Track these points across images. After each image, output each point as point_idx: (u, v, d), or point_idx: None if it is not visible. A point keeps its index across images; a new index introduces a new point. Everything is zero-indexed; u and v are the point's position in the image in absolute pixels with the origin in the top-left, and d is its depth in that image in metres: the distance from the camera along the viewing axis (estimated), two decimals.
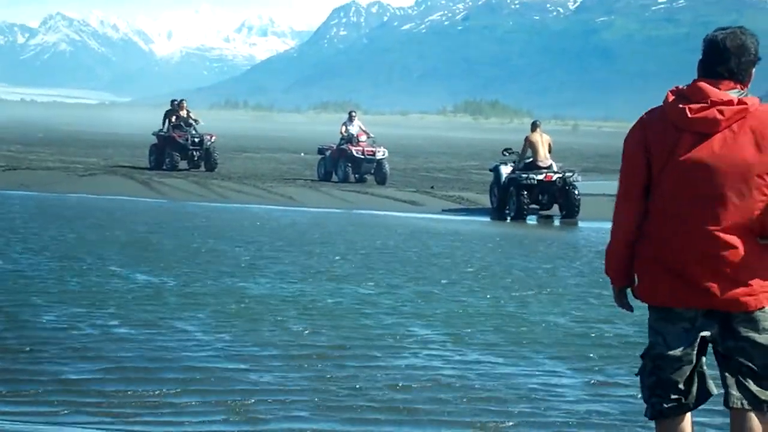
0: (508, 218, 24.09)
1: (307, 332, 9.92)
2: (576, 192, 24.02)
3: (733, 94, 4.48)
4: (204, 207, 24.55)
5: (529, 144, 24.43)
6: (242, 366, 8.56)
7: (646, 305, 4.66)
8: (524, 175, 23.85)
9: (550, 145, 24.68)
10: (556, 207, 24.45)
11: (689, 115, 4.46)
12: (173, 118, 34.42)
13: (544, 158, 24.34)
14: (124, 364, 8.56)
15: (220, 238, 17.61)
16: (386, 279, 13.46)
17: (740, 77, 4.53)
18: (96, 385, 7.89)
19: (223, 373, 8.34)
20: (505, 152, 25.08)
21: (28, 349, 8.94)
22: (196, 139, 34.09)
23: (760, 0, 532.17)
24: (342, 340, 9.66)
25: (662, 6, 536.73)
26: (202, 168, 33.97)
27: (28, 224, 18.79)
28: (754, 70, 4.59)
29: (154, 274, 13.23)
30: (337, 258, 15.48)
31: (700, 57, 4.60)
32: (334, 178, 31.70)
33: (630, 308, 4.75)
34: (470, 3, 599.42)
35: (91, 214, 21.28)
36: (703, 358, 4.60)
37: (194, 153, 34.12)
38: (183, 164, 33.98)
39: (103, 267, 13.66)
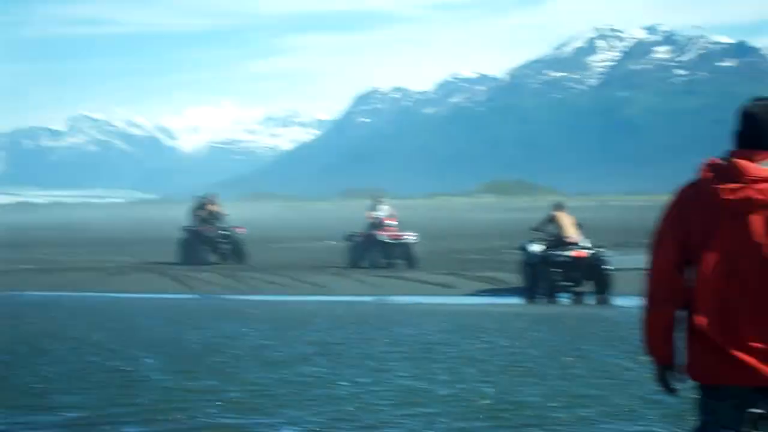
0: (540, 297, 23.91)
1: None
2: (607, 267, 23.87)
3: None
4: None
5: (555, 220, 24.35)
6: None
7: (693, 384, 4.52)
8: (554, 253, 23.73)
9: (577, 224, 24.62)
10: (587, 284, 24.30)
11: (725, 197, 4.37)
12: (202, 213, 34.67)
13: (573, 234, 24.26)
14: None
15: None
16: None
17: None
18: None
19: None
20: (533, 230, 25.00)
21: None
22: (225, 233, 34.26)
23: None
24: None
25: (682, 79, 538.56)
26: (232, 261, 34.08)
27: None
28: None
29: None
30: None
31: (736, 128, 4.53)
32: (364, 264, 31.67)
33: (673, 391, 4.59)
34: (491, 84, 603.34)
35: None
36: None
37: (223, 246, 34.26)
38: (213, 257, 34.12)
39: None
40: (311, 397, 11.02)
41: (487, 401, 10.68)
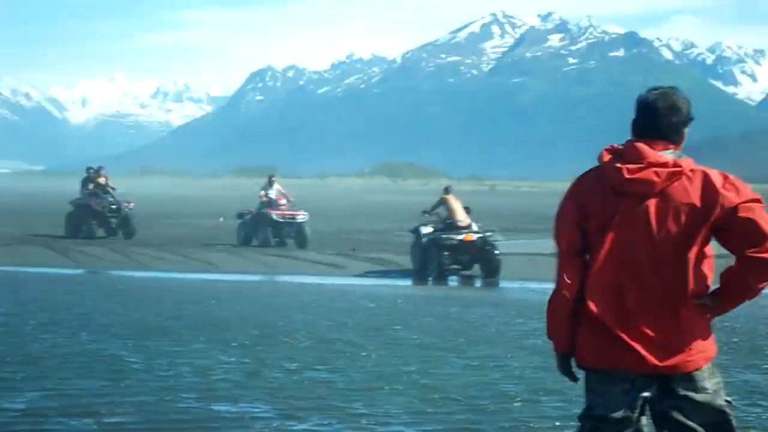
0: (429, 279, 24.13)
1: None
2: (496, 251, 24.18)
3: (668, 155, 4.45)
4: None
5: (445, 204, 24.62)
6: None
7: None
8: (444, 236, 23.96)
9: (466, 208, 24.92)
10: (476, 267, 24.58)
11: (626, 176, 4.40)
12: (91, 186, 34.15)
13: (463, 218, 24.52)
14: None
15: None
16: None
17: (673, 137, 4.50)
18: None
19: None
20: (425, 213, 25.22)
21: None
22: (114, 206, 33.80)
23: (666, 61, 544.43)
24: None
25: (573, 67, 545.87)
26: (120, 235, 33.66)
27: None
28: (687, 129, 4.54)
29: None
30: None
31: (633, 117, 4.55)
32: (254, 242, 31.56)
33: (574, 377, 4.63)
34: (385, 66, 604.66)
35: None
36: (643, 419, 4.54)
37: (112, 220, 33.82)
38: (101, 232, 33.64)
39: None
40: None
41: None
